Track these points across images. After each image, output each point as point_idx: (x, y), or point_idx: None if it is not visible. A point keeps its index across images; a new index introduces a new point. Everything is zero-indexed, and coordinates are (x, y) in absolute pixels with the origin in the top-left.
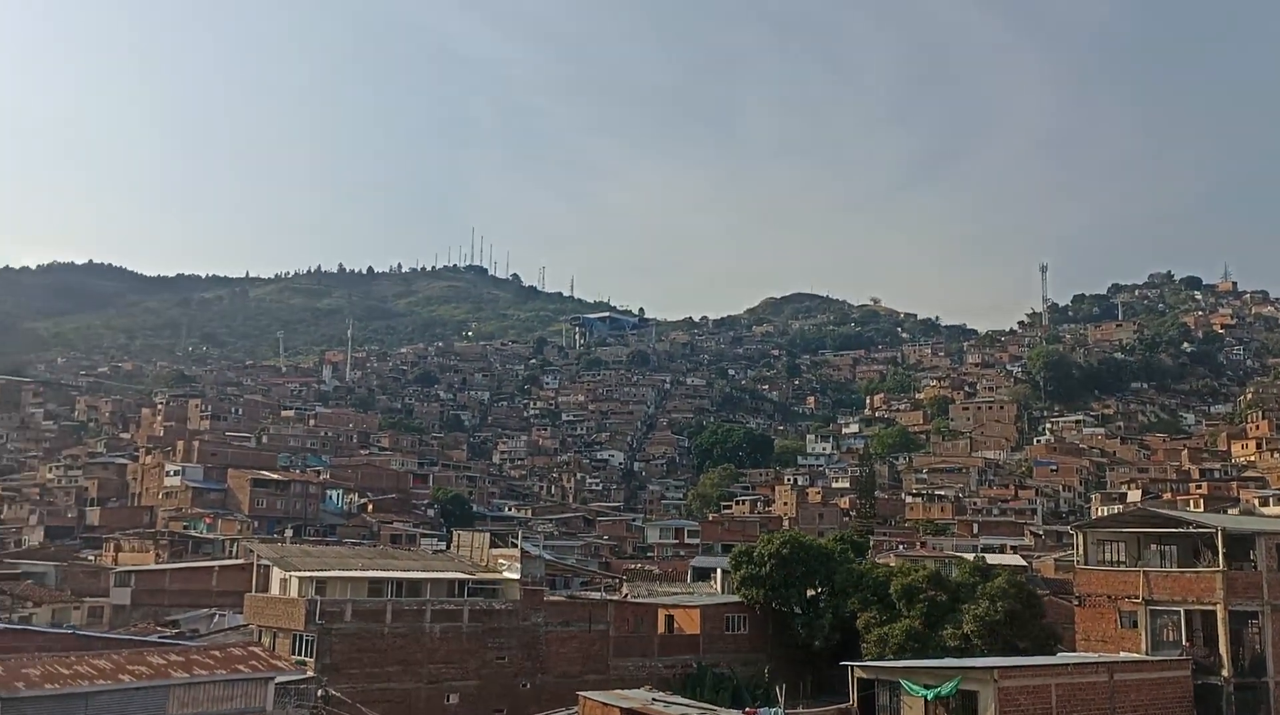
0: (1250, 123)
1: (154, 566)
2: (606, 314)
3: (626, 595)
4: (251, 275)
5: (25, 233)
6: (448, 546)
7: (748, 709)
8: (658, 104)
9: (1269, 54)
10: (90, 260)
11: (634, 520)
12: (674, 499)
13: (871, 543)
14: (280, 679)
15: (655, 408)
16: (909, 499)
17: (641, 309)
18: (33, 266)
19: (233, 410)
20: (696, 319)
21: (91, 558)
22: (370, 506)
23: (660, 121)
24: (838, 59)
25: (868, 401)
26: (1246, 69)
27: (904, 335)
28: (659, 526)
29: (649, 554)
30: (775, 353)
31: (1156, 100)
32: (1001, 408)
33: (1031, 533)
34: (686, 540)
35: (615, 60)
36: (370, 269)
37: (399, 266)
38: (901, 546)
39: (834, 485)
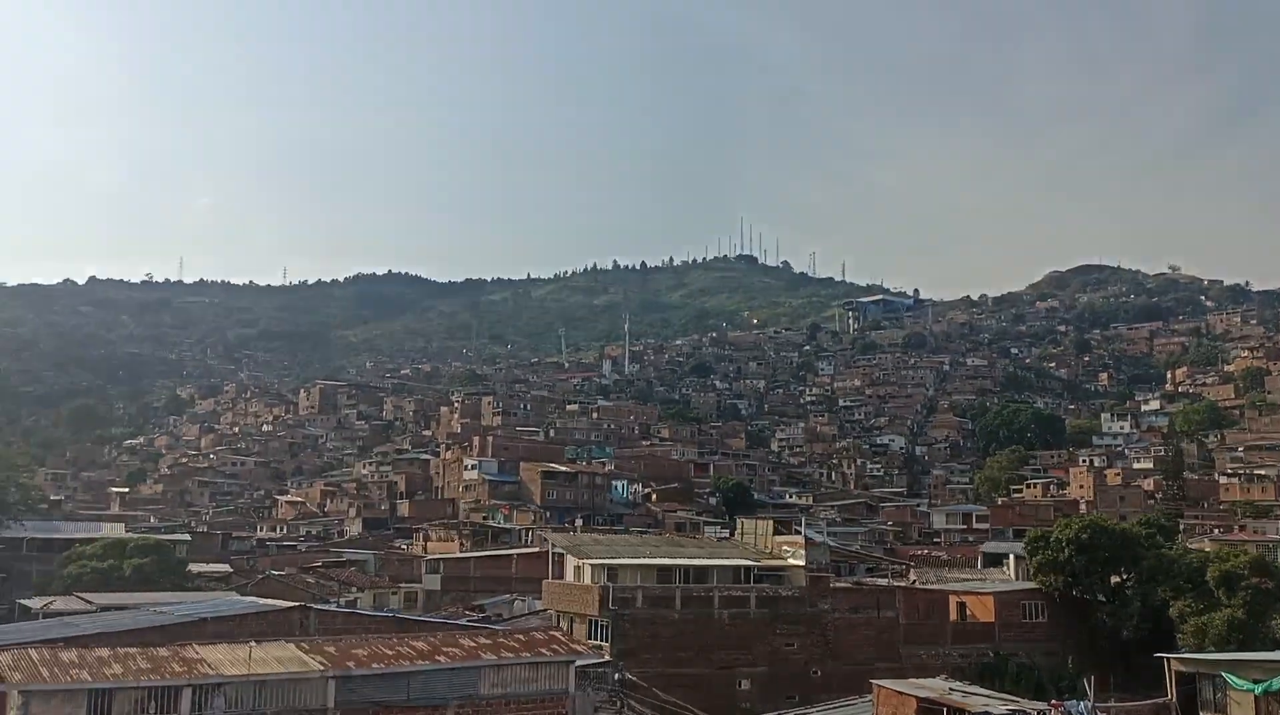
0: None
1: (459, 555)
2: (880, 297)
3: (914, 581)
4: (533, 276)
5: (333, 249)
6: (731, 534)
7: (1053, 701)
8: (923, 78)
9: None
10: (389, 270)
11: (918, 505)
12: (959, 483)
13: (1181, 527)
14: (579, 662)
15: (935, 390)
16: (1223, 479)
17: (916, 290)
18: (340, 279)
19: (521, 406)
20: (975, 297)
21: (404, 546)
22: (654, 495)
23: (927, 95)
24: (1125, 12)
25: (1169, 376)
26: None
27: (1208, 303)
28: (945, 511)
29: (935, 540)
30: (1062, 328)
31: None
32: None
33: None
34: (975, 525)
35: (878, 36)
36: (643, 264)
37: (671, 260)
38: (1217, 531)
39: (1135, 466)
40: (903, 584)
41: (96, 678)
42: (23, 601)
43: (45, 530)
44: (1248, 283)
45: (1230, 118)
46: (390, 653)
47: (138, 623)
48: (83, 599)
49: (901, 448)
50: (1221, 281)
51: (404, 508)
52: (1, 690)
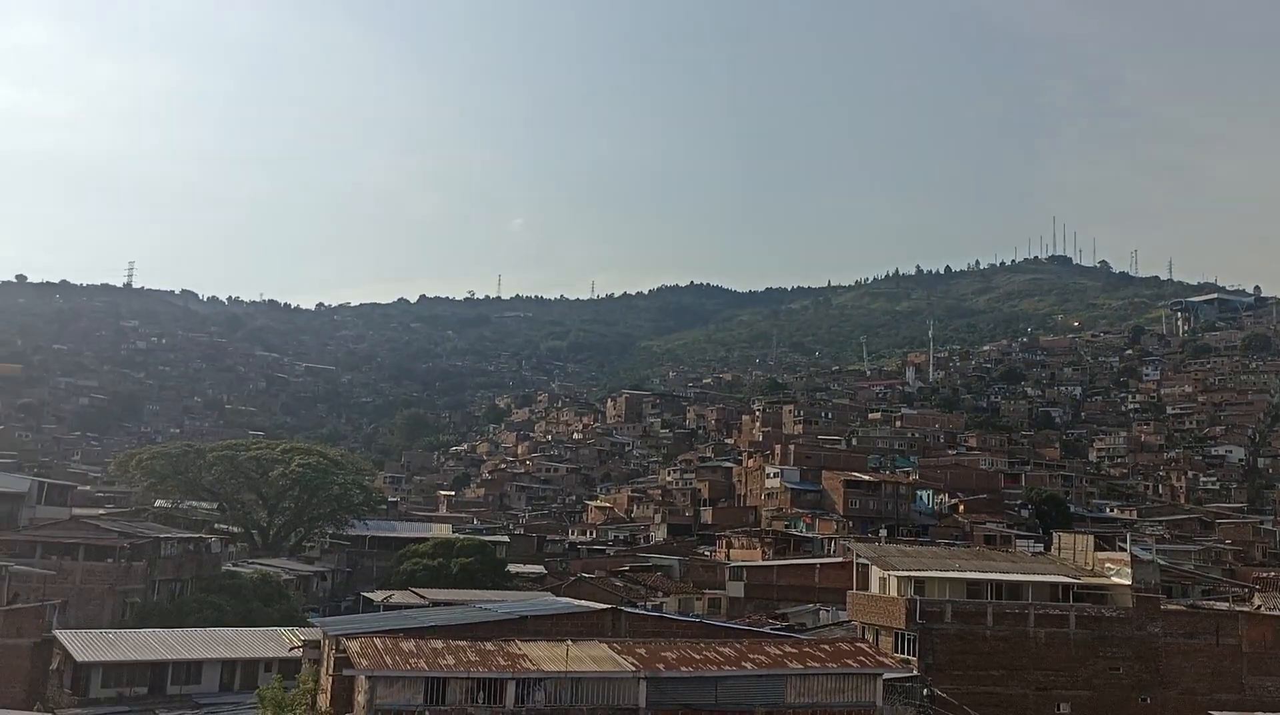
0: None
1: (762, 563)
2: (1214, 296)
3: (1260, 607)
4: (833, 284)
5: (637, 262)
6: (1046, 549)
7: None
8: (1254, 56)
9: None
10: (691, 282)
11: (1262, 522)
12: None
13: None
14: (886, 675)
15: None
16: None
17: (1257, 287)
18: (645, 292)
19: (822, 414)
20: None
21: (707, 553)
22: (961, 507)
23: (1259, 75)
24: None
25: None
26: None
27: None
28: None
29: None
30: None
31: None
32: None
33: None
34: None
35: (1199, 15)
36: (947, 268)
37: (976, 263)
38: None
39: None
40: (1246, 609)
41: (433, 667)
42: (366, 594)
43: (384, 529)
44: None
45: None
46: (698, 657)
47: (466, 618)
48: (417, 593)
49: (1241, 459)
50: None
51: (707, 515)
52: (352, 674)
